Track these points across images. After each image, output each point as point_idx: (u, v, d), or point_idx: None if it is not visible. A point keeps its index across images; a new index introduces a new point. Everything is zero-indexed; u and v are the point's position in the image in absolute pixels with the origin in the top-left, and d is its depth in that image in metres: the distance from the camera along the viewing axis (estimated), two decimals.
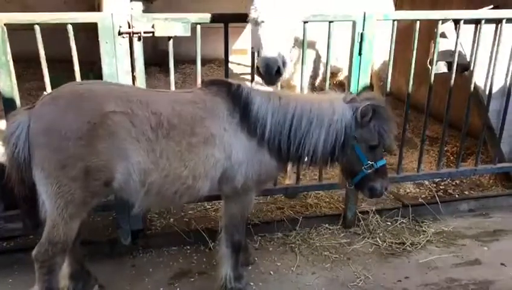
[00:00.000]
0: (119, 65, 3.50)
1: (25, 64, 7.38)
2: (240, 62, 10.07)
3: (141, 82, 3.60)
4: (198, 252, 4.12)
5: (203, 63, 10.10)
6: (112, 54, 3.45)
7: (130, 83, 3.57)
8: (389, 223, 4.59)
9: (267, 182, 3.58)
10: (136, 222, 3.97)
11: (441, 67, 4.66)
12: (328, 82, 4.15)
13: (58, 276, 3.06)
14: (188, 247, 4.18)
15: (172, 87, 3.77)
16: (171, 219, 4.42)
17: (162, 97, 3.02)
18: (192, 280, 3.78)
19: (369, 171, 3.24)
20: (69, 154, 2.72)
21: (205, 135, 2.97)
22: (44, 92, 3.36)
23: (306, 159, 3.23)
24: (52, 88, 3.24)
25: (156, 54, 8.13)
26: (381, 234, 4.41)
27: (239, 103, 3.06)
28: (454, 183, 5.35)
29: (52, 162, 2.74)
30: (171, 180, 2.94)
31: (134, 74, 3.60)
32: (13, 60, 3.38)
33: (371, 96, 3.31)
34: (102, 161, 2.77)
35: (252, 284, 3.71)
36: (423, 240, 4.34)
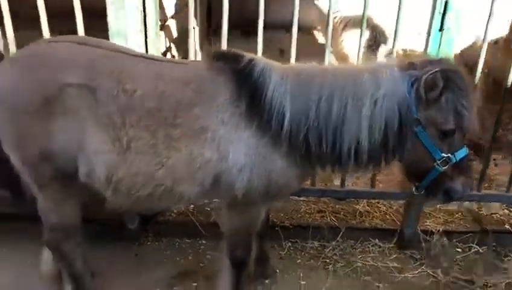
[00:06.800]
0: (129, 21, 2.88)
1: None
2: None
3: (153, 45, 2.97)
4: (213, 250, 3.49)
5: (285, 29, 9.34)
6: (119, 5, 2.84)
7: (142, 44, 2.96)
8: (459, 251, 3.58)
9: (282, 196, 2.65)
10: None
11: None
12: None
13: (78, 262, 2.72)
14: (204, 242, 3.59)
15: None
16: (192, 206, 3.83)
17: (146, 69, 2.31)
18: (195, 284, 3.18)
19: (445, 167, 2.28)
20: (22, 133, 2.24)
21: (192, 126, 2.25)
22: None
23: (348, 159, 2.29)
24: None
25: (242, 18, 7.45)
26: (445, 264, 3.44)
27: (247, 85, 2.24)
28: None
29: (9, 139, 2.30)
30: (143, 181, 2.30)
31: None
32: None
33: (436, 59, 2.34)
34: (59, 144, 2.23)
35: None
36: (502, 282, 3.29)
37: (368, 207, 3.91)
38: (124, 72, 2.25)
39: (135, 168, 2.27)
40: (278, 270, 3.31)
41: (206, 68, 2.34)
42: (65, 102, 2.19)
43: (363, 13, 2.97)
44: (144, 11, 2.89)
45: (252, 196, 2.38)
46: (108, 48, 2.38)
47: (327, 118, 2.21)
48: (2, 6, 2.85)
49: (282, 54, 7.88)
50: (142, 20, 2.91)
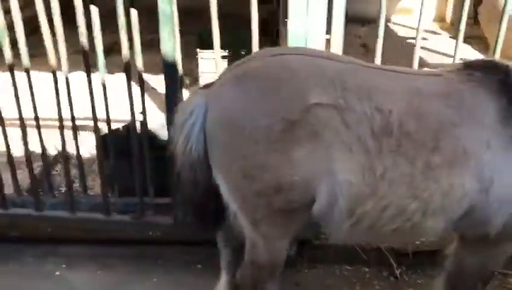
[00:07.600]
0: (312, 24, 2.55)
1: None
2: (404, 23, 8.42)
3: (337, 50, 2.64)
4: (381, 280, 3.12)
5: (362, 23, 8.94)
6: (303, 6, 2.51)
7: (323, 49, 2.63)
8: None
9: None
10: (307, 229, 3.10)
11: None
12: None
13: None
14: (366, 269, 3.20)
15: (378, 59, 2.73)
16: None
17: (396, 83, 1.96)
18: None
19: None
20: (253, 162, 1.90)
21: (453, 151, 1.88)
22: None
23: None
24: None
25: None
26: None
27: None
28: None
29: (233, 167, 1.96)
30: (391, 215, 1.95)
31: (328, 37, 2.66)
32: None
33: None
34: (300, 175, 1.88)
35: None
36: None
37: None
38: (373, 88, 1.90)
39: (386, 201, 1.92)
40: None
41: (463, 80, 1.97)
42: (311, 125, 1.84)
43: None
44: (330, 14, 2.55)
45: (508, 233, 2.00)
46: (342, 60, 2.03)
47: None
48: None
49: (367, 49, 7.50)
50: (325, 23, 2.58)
